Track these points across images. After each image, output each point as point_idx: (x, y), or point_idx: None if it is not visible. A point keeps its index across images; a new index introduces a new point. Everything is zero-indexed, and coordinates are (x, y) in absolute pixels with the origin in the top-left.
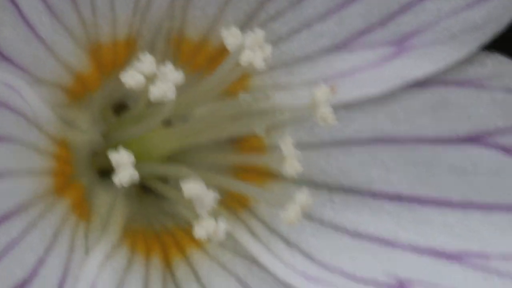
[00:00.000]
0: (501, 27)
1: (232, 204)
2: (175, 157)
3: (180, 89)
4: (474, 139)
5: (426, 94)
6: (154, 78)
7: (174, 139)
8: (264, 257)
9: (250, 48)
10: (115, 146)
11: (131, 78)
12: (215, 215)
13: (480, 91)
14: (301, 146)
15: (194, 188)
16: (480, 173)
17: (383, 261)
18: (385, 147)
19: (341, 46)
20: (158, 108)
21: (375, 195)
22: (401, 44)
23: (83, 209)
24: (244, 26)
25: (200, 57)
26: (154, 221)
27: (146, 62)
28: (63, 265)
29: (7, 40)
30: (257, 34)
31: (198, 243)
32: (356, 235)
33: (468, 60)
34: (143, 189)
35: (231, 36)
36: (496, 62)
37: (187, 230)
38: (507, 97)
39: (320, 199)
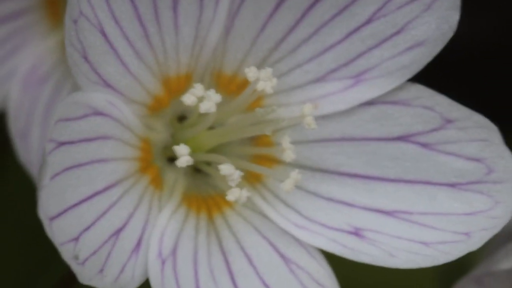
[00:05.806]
0: (422, 67)
1: (251, 179)
2: (215, 149)
3: (219, 106)
4: (403, 138)
5: (373, 109)
6: (203, 99)
7: (215, 138)
8: (271, 213)
9: (263, 80)
10: (178, 143)
11: (188, 99)
12: (240, 186)
13: (407, 107)
14: (294, 142)
15: (227, 169)
16: (407, 160)
17: (346, 216)
18: (348, 143)
19: (320, 79)
20: (205, 118)
21: (341, 174)
22: (357, 77)
23: (157, 183)
24: (259, 66)
25: (231, 86)
26: (202, 190)
27: (198, 89)
28: (145, 218)
29: (110, 74)
30: (268, 71)
31: (229, 204)
32: (329, 199)
33: (399, 88)
34: (195, 170)
35: (251, 73)
36: (416, 89)
37: (222, 196)
38: (424, 112)
39: (306, 176)
